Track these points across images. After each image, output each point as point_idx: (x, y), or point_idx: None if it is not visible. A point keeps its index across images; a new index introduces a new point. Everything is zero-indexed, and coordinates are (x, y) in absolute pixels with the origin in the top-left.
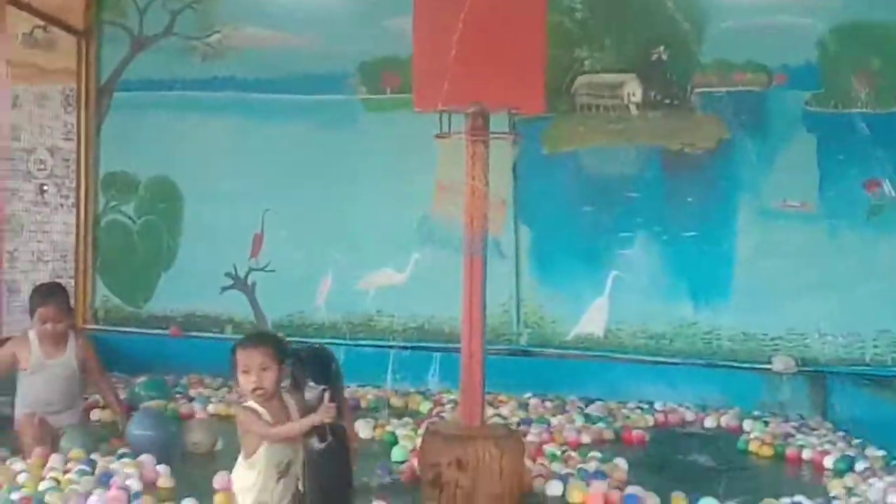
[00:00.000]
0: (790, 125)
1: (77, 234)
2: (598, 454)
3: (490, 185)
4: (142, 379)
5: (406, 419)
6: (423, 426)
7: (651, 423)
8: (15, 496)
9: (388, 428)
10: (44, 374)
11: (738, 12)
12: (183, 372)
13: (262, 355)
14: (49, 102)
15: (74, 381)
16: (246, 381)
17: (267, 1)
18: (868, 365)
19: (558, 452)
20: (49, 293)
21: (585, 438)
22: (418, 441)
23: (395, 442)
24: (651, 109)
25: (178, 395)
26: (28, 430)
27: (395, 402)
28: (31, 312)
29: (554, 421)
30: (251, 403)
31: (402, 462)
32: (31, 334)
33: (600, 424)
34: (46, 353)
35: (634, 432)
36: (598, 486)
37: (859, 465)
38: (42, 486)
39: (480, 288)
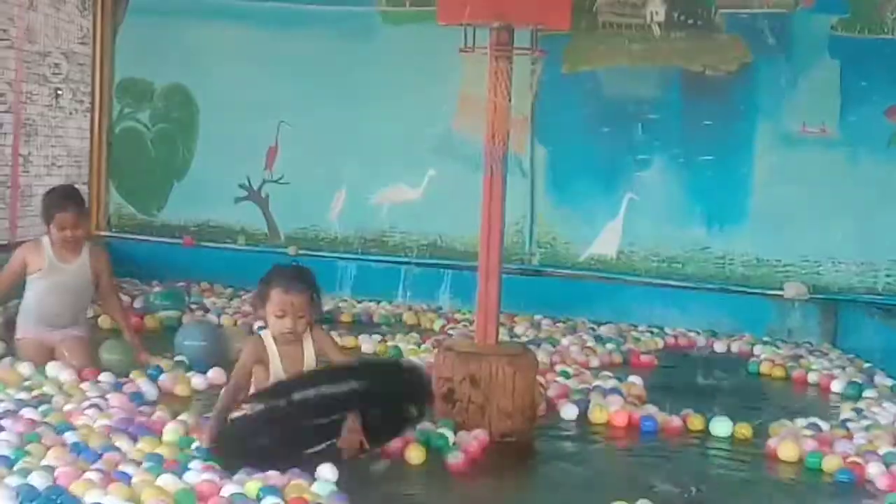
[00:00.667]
0: (814, 49)
1: (91, 140)
2: (609, 374)
3: (513, 103)
4: (157, 289)
5: (412, 335)
6: (429, 342)
7: (661, 346)
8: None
9: (391, 343)
10: (54, 279)
11: None
12: (194, 281)
13: (302, 301)
14: (65, 5)
15: (85, 292)
16: (279, 325)
17: None
18: (880, 294)
19: (570, 371)
20: (67, 196)
21: (594, 362)
22: (422, 356)
23: (399, 356)
24: (674, 29)
25: (193, 305)
26: (29, 353)
27: (409, 318)
28: (48, 217)
29: (564, 341)
30: (266, 336)
31: None
32: (45, 240)
33: (609, 346)
34: (60, 257)
35: (643, 357)
36: (616, 403)
37: (869, 391)
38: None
39: (500, 206)
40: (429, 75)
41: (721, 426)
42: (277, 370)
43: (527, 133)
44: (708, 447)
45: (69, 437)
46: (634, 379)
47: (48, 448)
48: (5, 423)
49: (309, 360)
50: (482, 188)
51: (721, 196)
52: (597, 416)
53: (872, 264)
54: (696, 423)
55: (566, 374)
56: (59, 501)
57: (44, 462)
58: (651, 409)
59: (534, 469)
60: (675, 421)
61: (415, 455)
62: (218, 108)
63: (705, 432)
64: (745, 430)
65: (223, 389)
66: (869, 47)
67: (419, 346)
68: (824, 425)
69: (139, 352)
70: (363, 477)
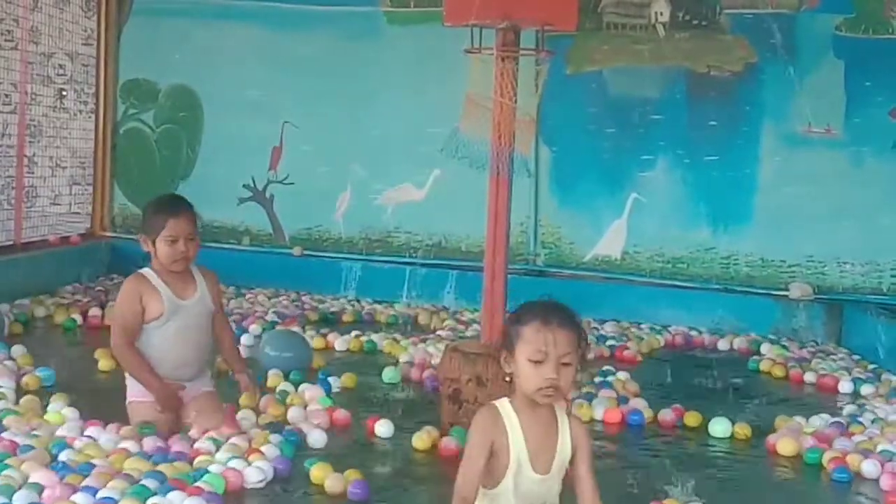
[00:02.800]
0: (819, 50)
1: (96, 141)
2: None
3: (518, 104)
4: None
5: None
6: (412, 340)
7: (663, 344)
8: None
9: (364, 338)
10: (177, 324)
11: None
12: None
13: (568, 341)
14: (69, 6)
15: (210, 328)
16: (535, 377)
17: None
18: (885, 294)
19: None
20: (177, 200)
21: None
22: (401, 353)
23: (373, 350)
24: (678, 30)
25: None
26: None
27: (423, 319)
28: (154, 229)
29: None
30: (503, 405)
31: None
32: (149, 273)
33: (611, 343)
34: (178, 291)
35: (625, 353)
36: (605, 396)
37: (874, 389)
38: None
39: (506, 207)
40: (434, 76)
41: (720, 426)
42: (519, 453)
43: (532, 134)
44: (709, 444)
45: None
46: (621, 375)
47: None
48: None
49: (563, 448)
50: (487, 188)
51: (726, 196)
52: (583, 413)
53: (877, 265)
54: (691, 419)
55: None
56: None
57: None
58: (641, 403)
59: None
60: (668, 415)
61: None
62: (222, 109)
63: (703, 429)
64: (745, 430)
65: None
66: (874, 48)
67: (396, 342)
68: (827, 423)
69: (253, 392)
70: None
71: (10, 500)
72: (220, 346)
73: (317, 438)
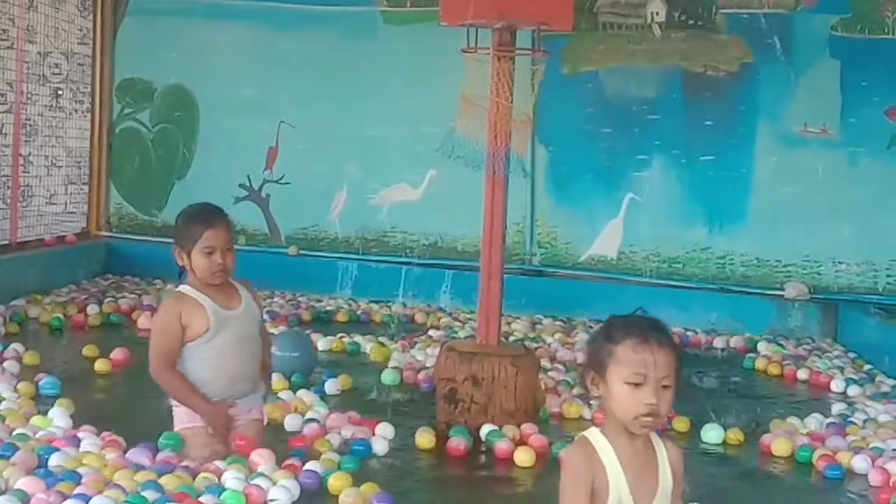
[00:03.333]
0: (815, 50)
1: (91, 140)
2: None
3: (515, 104)
4: (169, 286)
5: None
6: (396, 341)
7: None
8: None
9: (347, 339)
10: (227, 335)
11: None
12: None
13: (668, 362)
14: (65, 6)
15: (258, 338)
16: (632, 403)
17: None
18: (881, 294)
19: (548, 366)
20: (211, 210)
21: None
22: (382, 353)
23: (357, 351)
24: (674, 30)
25: None
26: (204, 451)
27: (420, 318)
28: (189, 241)
29: (549, 339)
30: (593, 435)
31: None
32: (187, 289)
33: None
34: (223, 302)
35: None
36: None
37: (869, 389)
38: None
39: (502, 207)
40: (430, 75)
41: (713, 433)
42: (621, 491)
43: (528, 133)
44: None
45: None
46: None
47: None
48: None
49: (665, 479)
50: (483, 188)
51: (722, 196)
52: (573, 411)
53: (873, 264)
54: (680, 425)
55: (544, 370)
56: None
57: None
58: None
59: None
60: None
61: None
62: (218, 108)
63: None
64: (737, 435)
65: None
66: (869, 48)
67: (382, 344)
68: (821, 422)
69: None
70: None
71: None
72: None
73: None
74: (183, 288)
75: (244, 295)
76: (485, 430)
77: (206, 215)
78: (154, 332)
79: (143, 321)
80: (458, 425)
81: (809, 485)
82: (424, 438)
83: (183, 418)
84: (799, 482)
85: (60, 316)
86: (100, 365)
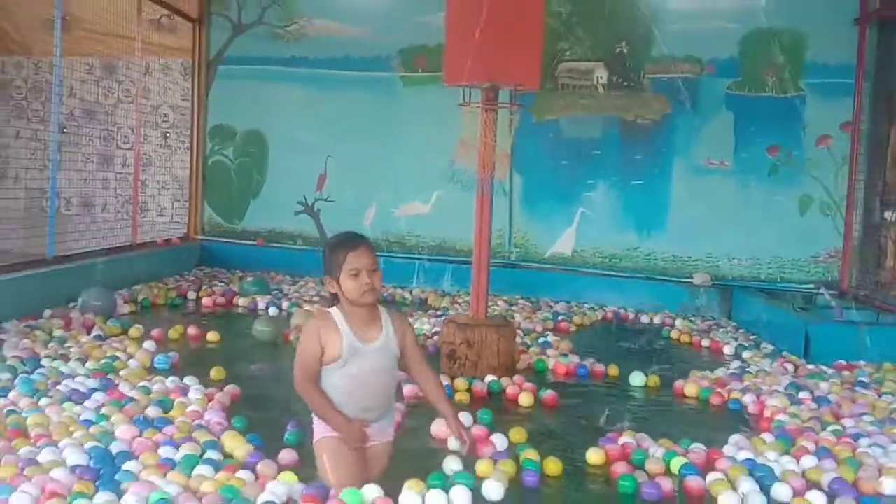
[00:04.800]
0: (715, 104)
1: (190, 170)
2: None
3: (498, 143)
4: (249, 278)
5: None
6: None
7: (600, 318)
8: None
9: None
10: (356, 367)
11: (681, 18)
12: (266, 272)
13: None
14: (171, 72)
15: (394, 369)
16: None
17: (332, 2)
18: (763, 281)
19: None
20: (353, 236)
21: (539, 328)
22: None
23: None
24: (613, 89)
25: (274, 290)
26: (342, 475)
27: (432, 300)
28: (336, 265)
29: (518, 316)
30: (334, 311)
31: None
32: (335, 313)
33: (547, 315)
34: (361, 335)
35: (562, 325)
36: (552, 355)
37: (752, 352)
38: None
39: (488, 218)
40: (436, 123)
41: (636, 377)
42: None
43: (508, 165)
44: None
45: None
46: (557, 338)
47: None
48: None
49: (387, 329)
50: (475, 204)
51: (647, 211)
52: (538, 365)
53: (757, 260)
54: (613, 371)
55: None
56: None
57: None
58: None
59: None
60: (599, 367)
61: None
62: (282, 146)
63: (621, 379)
64: (655, 380)
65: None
66: (755, 103)
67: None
68: (720, 373)
69: (459, 434)
70: None
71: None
72: (424, 391)
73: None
74: (333, 309)
75: (387, 329)
76: (487, 379)
77: (348, 241)
78: (299, 346)
79: (206, 300)
80: (456, 377)
81: (711, 414)
82: None
83: (320, 427)
84: (703, 413)
85: (173, 295)
86: (211, 336)
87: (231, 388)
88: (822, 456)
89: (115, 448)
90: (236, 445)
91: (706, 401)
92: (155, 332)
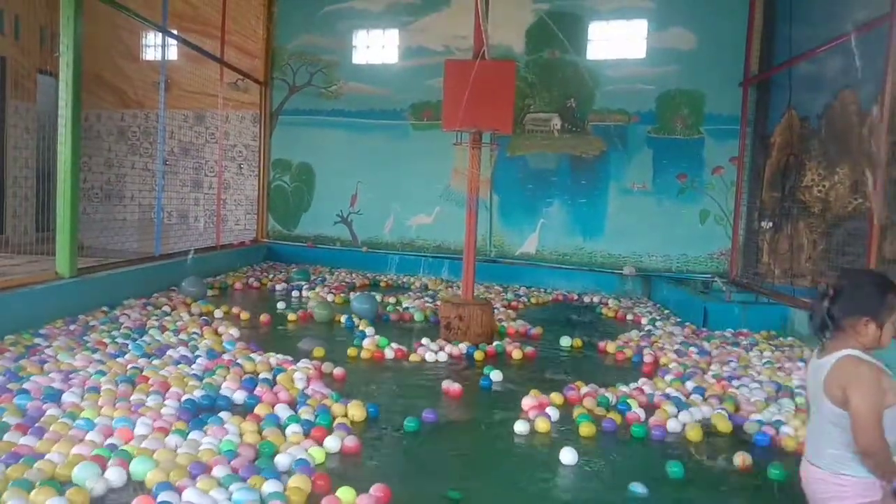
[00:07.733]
0: (639, 144)
1: (259, 192)
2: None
3: (481, 171)
4: (295, 268)
5: (399, 295)
6: (413, 300)
7: (551, 299)
8: None
9: (392, 299)
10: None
11: (615, 81)
12: (313, 265)
13: None
14: (244, 120)
15: None
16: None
17: (362, 69)
18: (673, 272)
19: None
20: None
21: (498, 305)
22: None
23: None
24: (565, 133)
25: (314, 278)
26: None
27: (431, 286)
28: (881, 317)
29: (492, 296)
30: (861, 353)
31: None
32: (860, 353)
33: (510, 297)
34: None
35: (513, 302)
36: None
37: (663, 322)
38: None
39: (475, 226)
40: (437, 157)
41: (565, 340)
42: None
43: (489, 188)
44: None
45: None
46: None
47: None
48: None
49: None
50: (465, 216)
51: (591, 221)
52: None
53: (669, 256)
54: (536, 332)
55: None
56: None
57: None
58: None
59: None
60: (537, 331)
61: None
62: (326, 174)
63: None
64: (578, 342)
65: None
66: (668, 142)
67: (401, 302)
68: (635, 336)
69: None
70: None
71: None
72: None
73: None
74: (857, 351)
75: None
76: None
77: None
78: (865, 400)
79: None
80: (451, 342)
81: (620, 364)
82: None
83: (861, 492)
84: (614, 363)
85: (246, 281)
86: (291, 317)
87: (339, 371)
88: (700, 393)
89: (218, 399)
90: (357, 413)
91: (614, 355)
92: (240, 313)
